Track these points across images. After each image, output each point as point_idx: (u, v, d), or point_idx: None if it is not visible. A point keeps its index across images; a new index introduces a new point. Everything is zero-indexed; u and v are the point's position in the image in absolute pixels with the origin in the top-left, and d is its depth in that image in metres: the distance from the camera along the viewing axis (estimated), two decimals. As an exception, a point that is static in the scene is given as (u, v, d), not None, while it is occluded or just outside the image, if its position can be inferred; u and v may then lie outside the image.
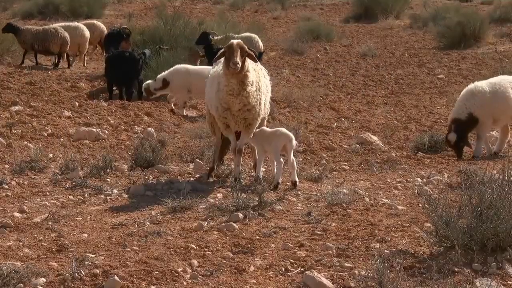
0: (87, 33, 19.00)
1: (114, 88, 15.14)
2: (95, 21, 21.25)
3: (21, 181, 8.76)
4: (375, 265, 5.50)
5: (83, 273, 5.66)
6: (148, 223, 7.16)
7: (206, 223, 7.10)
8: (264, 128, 8.84)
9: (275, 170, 8.51)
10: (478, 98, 10.35)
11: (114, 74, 14.72)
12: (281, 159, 8.54)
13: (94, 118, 12.68)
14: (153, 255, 6.15)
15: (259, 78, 8.61)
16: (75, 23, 19.66)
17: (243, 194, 7.73)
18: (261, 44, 18.30)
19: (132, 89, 14.76)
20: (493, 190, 6.06)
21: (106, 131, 11.68)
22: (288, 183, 8.64)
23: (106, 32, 19.98)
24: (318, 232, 6.79)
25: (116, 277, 5.52)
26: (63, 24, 19.56)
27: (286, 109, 13.99)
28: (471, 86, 10.65)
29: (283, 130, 8.83)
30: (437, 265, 5.63)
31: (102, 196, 8.20)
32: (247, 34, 18.62)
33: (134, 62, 14.63)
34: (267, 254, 6.27)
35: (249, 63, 8.34)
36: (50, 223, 7.15)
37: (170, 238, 6.66)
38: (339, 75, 18.27)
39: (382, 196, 8.13)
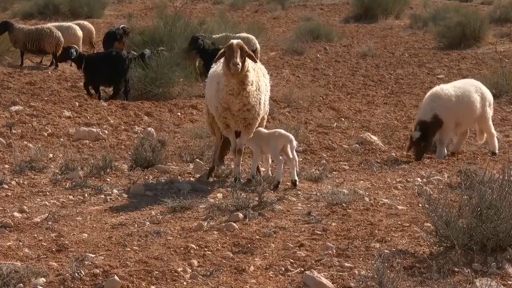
0: (79, 32, 19.13)
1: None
2: (82, 21, 21.30)
3: (21, 181, 8.76)
4: (375, 265, 5.51)
5: (83, 273, 5.66)
6: (148, 223, 7.16)
7: (206, 223, 7.10)
8: (260, 129, 8.83)
9: (275, 169, 8.51)
10: (443, 101, 10.31)
11: (100, 74, 14.83)
12: (281, 158, 8.55)
13: (94, 118, 12.68)
14: (153, 255, 6.15)
15: (258, 77, 8.62)
16: (67, 23, 19.76)
17: (243, 194, 7.73)
18: (257, 44, 18.28)
19: (120, 88, 14.83)
20: (493, 190, 6.06)
21: (106, 131, 11.68)
22: (288, 183, 8.65)
23: (93, 31, 20.22)
24: (318, 232, 6.79)
25: (116, 277, 5.52)
26: (56, 24, 19.61)
27: (286, 109, 13.99)
28: (436, 88, 10.57)
29: (282, 131, 8.84)
30: (437, 265, 5.63)
31: (102, 196, 8.20)
32: (245, 34, 18.60)
33: (120, 62, 14.74)
34: (267, 254, 6.27)
35: (249, 63, 8.35)
36: (50, 223, 7.15)
37: (170, 238, 6.66)
38: (339, 75, 18.25)
39: (382, 196, 8.13)
